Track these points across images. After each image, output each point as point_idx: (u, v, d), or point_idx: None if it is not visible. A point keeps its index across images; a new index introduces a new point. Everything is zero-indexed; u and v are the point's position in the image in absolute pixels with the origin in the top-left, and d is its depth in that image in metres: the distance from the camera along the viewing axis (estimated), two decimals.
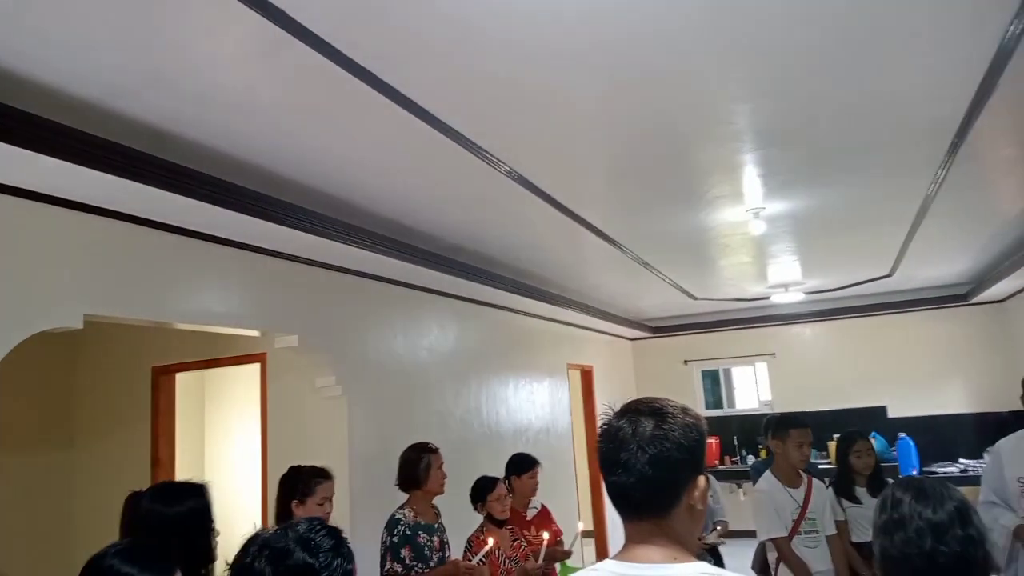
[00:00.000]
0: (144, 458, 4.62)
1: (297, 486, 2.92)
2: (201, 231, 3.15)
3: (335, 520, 2.21)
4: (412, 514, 3.32)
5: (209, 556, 2.20)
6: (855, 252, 5.82)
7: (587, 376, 8.12)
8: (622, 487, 1.24)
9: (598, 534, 7.93)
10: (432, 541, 3.33)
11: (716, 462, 8.85)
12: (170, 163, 2.57)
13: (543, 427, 6.59)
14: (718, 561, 4.45)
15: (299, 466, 3.00)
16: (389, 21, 1.94)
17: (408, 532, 3.26)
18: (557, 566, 4.22)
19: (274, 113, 2.46)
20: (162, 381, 4.76)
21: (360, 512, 3.86)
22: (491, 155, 2.97)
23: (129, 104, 2.29)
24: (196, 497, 2.23)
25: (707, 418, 7.49)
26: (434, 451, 3.42)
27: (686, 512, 1.23)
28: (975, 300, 7.81)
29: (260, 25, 1.88)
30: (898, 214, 4.55)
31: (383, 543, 3.28)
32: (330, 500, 2.97)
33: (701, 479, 1.25)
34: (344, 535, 1.58)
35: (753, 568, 4.10)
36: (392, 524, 3.28)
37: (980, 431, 7.91)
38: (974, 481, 7.09)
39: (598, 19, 2.01)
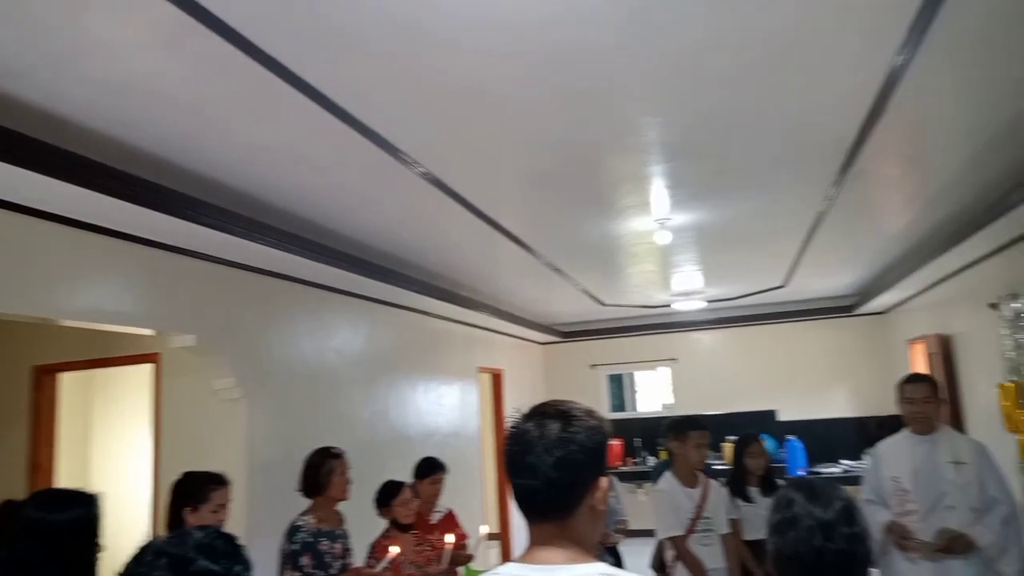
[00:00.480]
0: (20, 464, 4.28)
1: (190, 492, 2.79)
2: (91, 222, 2.95)
3: (229, 528, 2.12)
4: (314, 520, 3.23)
5: (90, 574, 2.04)
6: (753, 263, 6.12)
7: (497, 379, 8.15)
8: (527, 489, 1.26)
9: (503, 537, 7.97)
10: (335, 548, 3.25)
11: (618, 463, 9.07)
12: (57, 148, 2.39)
13: (452, 430, 6.56)
14: (618, 560, 4.55)
15: (193, 472, 2.87)
16: (306, 13, 1.88)
17: (309, 539, 3.16)
18: (460, 569, 4.21)
19: (179, 102, 2.33)
20: (44, 381, 4.43)
21: (259, 519, 3.71)
22: (407, 155, 2.93)
23: (16, 84, 2.12)
24: (84, 506, 2.07)
25: (611, 420, 7.68)
26: (338, 456, 3.33)
27: (588, 513, 1.26)
28: (859, 311, 8.36)
29: (167, 11, 1.78)
30: (793, 228, 4.81)
31: (281, 551, 3.17)
32: (225, 507, 2.84)
33: (603, 480, 1.28)
34: (239, 542, 1.52)
35: (651, 566, 4.23)
36: (292, 531, 3.18)
37: (860, 433, 8.48)
38: (855, 480, 7.59)
39: (521, 29, 2.02)
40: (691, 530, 3.76)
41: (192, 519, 2.71)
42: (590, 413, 1.31)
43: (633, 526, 4.82)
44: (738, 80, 2.47)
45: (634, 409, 9.91)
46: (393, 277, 4.65)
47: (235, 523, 3.18)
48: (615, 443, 8.98)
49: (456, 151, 2.99)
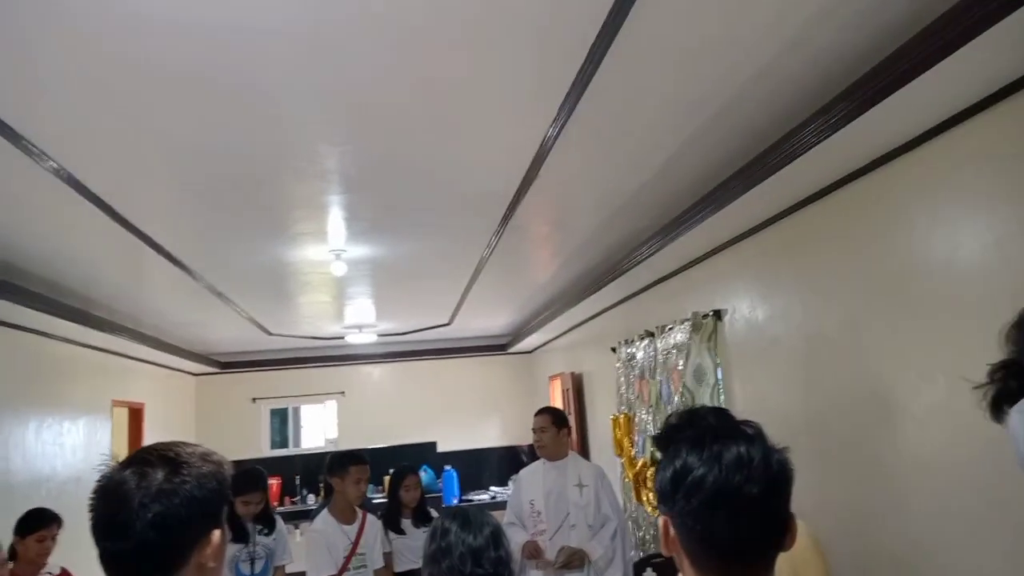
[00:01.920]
0: None
1: None
2: None
3: None
4: None
5: None
6: (422, 301, 6.38)
7: (136, 414, 7.15)
8: (117, 554, 1.06)
9: None
10: None
11: (275, 503, 8.59)
12: None
13: (73, 475, 5.54)
14: None
15: None
16: None
17: None
18: None
19: None
20: None
21: None
22: (35, 146, 2.44)
23: None
24: None
25: (271, 459, 7.25)
26: None
27: (194, 572, 1.09)
28: (512, 350, 9.24)
29: None
30: (459, 271, 5.14)
31: None
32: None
33: (216, 534, 1.12)
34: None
35: None
36: None
37: (509, 462, 9.31)
38: (501, 506, 8.28)
39: (180, 25, 1.83)
40: (344, 567, 3.69)
41: None
42: (205, 456, 1.14)
43: (291, 568, 4.52)
44: (410, 124, 2.56)
45: (297, 445, 9.52)
46: (2, 288, 3.79)
47: None
48: (274, 482, 8.49)
49: (98, 149, 2.58)
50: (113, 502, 1.06)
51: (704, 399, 3.97)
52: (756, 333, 3.65)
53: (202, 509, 1.09)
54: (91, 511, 1.08)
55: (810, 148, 2.46)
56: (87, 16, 1.77)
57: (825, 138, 2.37)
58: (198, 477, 1.10)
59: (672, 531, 1.06)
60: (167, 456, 1.11)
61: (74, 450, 5.61)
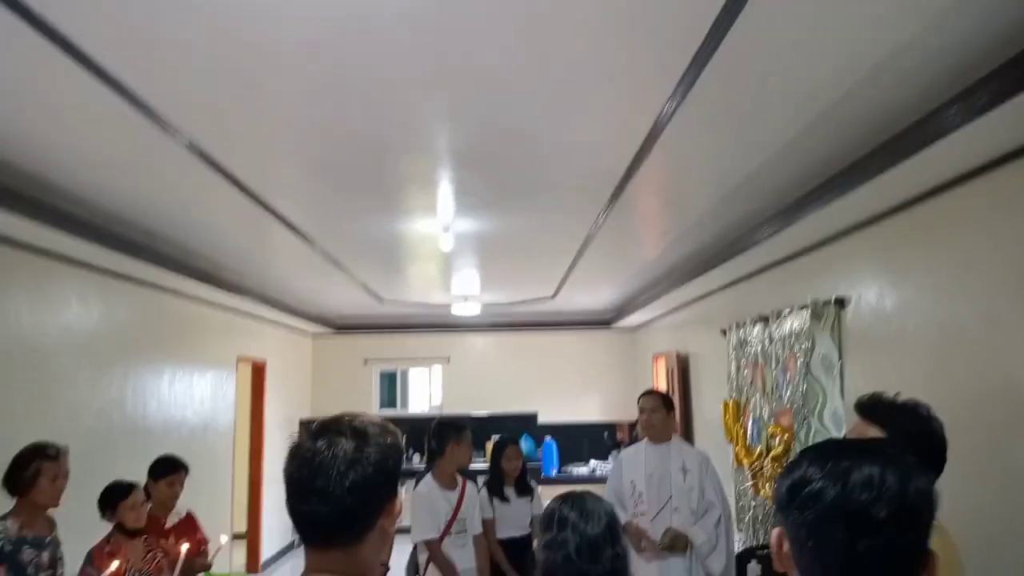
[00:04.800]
0: None
1: None
2: None
3: None
4: (16, 526, 2.77)
5: None
6: (527, 274, 6.41)
7: (259, 370, 7.66)
8: (314, 516, 1.15)
9: (252, 539, 7.51)
10: (41, 558, 2.81)
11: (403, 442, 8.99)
12: None
13: (201, 424, 6.03)
14: None
15: None
16: None
17: (9, 547, 2.70)
18: None
19: None
20: None
21: None
22: (168, 122, 2.61)
23: None
24: None
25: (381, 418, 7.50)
26: (52, 458, 2.86)
27: (378, 535, 1.19)
28: (616, 326, 9.15)
29: None
30: (565, 246, 5.11)
31: None
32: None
33: (396, 501, 1.21)
34: None
35: (407, 570, 4.22)
36: None
37: (608, 437, 9.30)
38: (599, 479, 8.31)
39: (309, 13, 1.89)
40: (446, 532, 3.82)
41: None
42: (385, 429, 1.22)
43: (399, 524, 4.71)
44: (521, 103, 2.54)
45: (405, 407, 9.90)
46: (139, 251, 4.10)
47: None
48: None
49: (229, 126, 2.73)
50: (312, 470, 1.14)
51: (832, 390, 3.77)
52: (883, 323, 3.42)
53: (387, 477, 1.18)
54: (288, 478, 1.17)
55: (953, 130, 2.24)
56: (224, 4, 1.86)
57: (970, 121, 2.15)
58: (382, 447, 1.18)
59: (785, 545, 1.01)
60: (355, 427, 1.19)
61: (202, 401, 6.09)
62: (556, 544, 1.65)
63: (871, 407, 1.80)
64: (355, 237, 4.69)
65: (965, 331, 2.81)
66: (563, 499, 1.77)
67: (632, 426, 8.10)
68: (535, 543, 1.83)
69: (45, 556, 2.83)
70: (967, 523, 2.63)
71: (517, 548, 4.17)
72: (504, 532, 4.19)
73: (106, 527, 3.18)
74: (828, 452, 0.98)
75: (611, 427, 9.36)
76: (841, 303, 3.78)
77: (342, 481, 1.13)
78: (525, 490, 4.36)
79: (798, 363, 4.03)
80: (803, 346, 3.96)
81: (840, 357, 3.79)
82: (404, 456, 1.35)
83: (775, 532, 1.03)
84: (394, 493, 1.21)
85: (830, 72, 2.26)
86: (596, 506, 1.72)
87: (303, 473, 1.15)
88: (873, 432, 1.75)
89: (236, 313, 6.76)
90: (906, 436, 1.68)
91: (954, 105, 2.18)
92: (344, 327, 9.25)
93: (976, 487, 2.69)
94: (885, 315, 3.40)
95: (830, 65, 2.22)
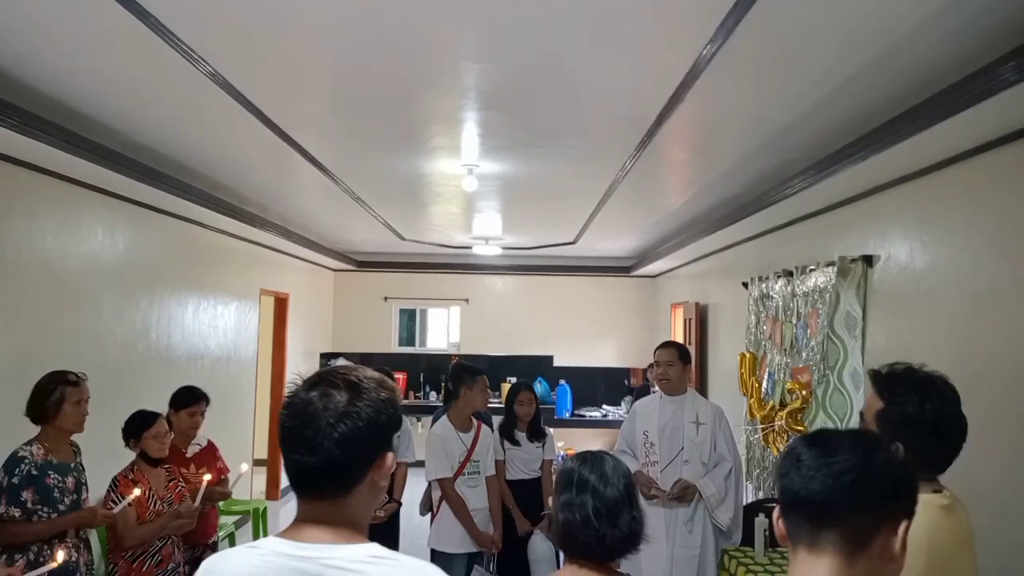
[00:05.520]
0: None
1: None
2: None
3: None
4: (42, 451, 2.85)
5: None
6: (549, 218, 6.34)
7: (282, 303, 7.75)
8: (304, 467, 1.15)
9: (272, 467, 7.74)
10: (66, 482, 2.90)
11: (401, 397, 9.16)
12: None
13: (223, 355, 6.14)
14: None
15: None
16: None
17: (34, 472, 2.79)
18: (220, 505, 4.00)
19: None
20: None
21: None
22: (191, 50, 2.55)
23: None
24: None
25: (398, 355, 7.66)
26: (74, 383, 2.92)
27: (368, 489, 1.19)
28: (636, 273, 9.09)
29: None
30: (589, 192, 5.03)
31: None
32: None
33: (388, 456, 1.21)
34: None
35: (421, 506, 4.33)
36: (13, 463, 2.78)
37: (621, 383, 9.37)
38: (611, 424, 8.41)
39: None
40: (459, 472, 3.90)
41: None
42: (382, 384, 1.21)
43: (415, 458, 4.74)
44: (556, 41, 2.45)
45: (424, 345, 10.01)
46: (164, 181, 4.09)
47: None
48: (400, 376, 9.02)
49: (253, 57, 2.66)
50: (303, 420, 1.14)
51: (853, 349, 3.73)
52: (912, 283, 3.34)
53: (380, 432, 1.17)
54: (281, 426, 1.18)
55: (1009, 87, 2.13)
56: None
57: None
58: (376, 402, 1.17)
59: (781, 522, 1.13)
60: (350, 380, 1.18)
61: (226, 332, 6.19)
62: (575, 506, 1.65)
63: (877, 378, 1.78)
64: (378, 175, 4.65)
65: (1000, 297, 2.73)
66: (582, 460, 1.76)
67: (646, 371, 8.14)
68: (549, 501, 1.83)
69: (70, 480, 2.92)
70: (987, 493, 2.61)
71: (525, 490, 4.25)
72: (513, 474, 4.27)
73: (129, 455, 3.27)
74: (816, 442, 1.13)
75: (626, 372, 9.42)
76: (869, 261, 3.69)
77: (331, 433, 1.12)
78: (538, 435, 4.42)
79: (820, 320, 3.98)
80: (827, 303, 3.90)
81: (864, 316, 3.73)
82: (400, 411, 1.33)
83: (776, 510, 1.14)
84: (387, 447, 1.20)
85: (875, 24, 2.14)
86: (614, 468, 1.71)
87: (294, 423, 1.15)
88: (881, 405, 1.73)
89: (260, 247, 6.80)
90: (902, 418, 1.66)
91: (1010, 60, 2.06)
92: (365, 264, 9.29)
93: (998, 456, 2.66)
94: (915, 275, 3.32)
95: (874, 17, 2.10)
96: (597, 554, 1.65)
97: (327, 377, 1.19)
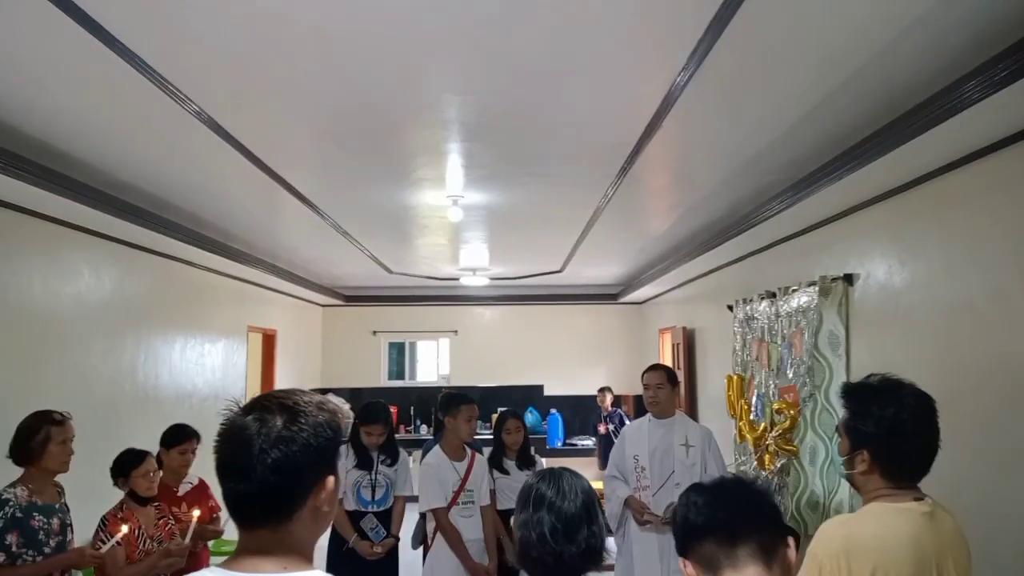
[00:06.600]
0: None
1: None
2: None
3: None
4: (26, 493, 2.81)
5: None
6: (536, 247, 6.39)
7: (269, 340, 7.73)
8: (239, 495, 1.11)
9: None
10: (51, 524, 2.86)
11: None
12: None
13: (211, 393, 6.10)
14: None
15: None
16: None
17: (19, 514, 2.75)
18: (211, 544, 3.94)
19: None
20: None
21: None
22: (178, 91, 2.60)
23: None
24: None
25: (388, 389, 7.55)
26: (59, 423, 2.90)
27: (310, 515, 1.14)
28: (623, 300, 9.14)
29: None
30: (574, 220, 5.09)
31: None
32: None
33: (330, 480, 1.16)
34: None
35: (413, 540, 4.28)
36: None
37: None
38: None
39: None
40: (453, 502, 3.86)
41: None
42: (321, 406, 1.17)
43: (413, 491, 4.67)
44: (534, 72, 2.51)
45: (413, 378, 9.98)
46: (149, 218, 4.11)
47: None
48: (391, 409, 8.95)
49: (239, 96, 2.71)
50: (236, 446, 1.11)
51: (838, 367, 3.77)
52: (891, 300, 3.40)
53: (318, 456, 1.13)
54: (216, 453, 1.15)
55: (972, 105, 2.20)
56: None
57: (989, 95, 2.11)
58: (314, 426, 1.13)
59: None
60: (286, 404, 1.14)
61: (213, 370, 6.15)
62: (532, 523, 1.62)
63: (843, 392, 1.89)
64: (364, 208, 4.69)
65: (975, 310, 2.79)
66: (541, 476, 1.72)
67: (636, 399, 8.12)
68: (512, 520, 1.79)
69: (55, 522, 2.88)
70: (973, 501, 2.64)
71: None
72: (503, 503, 4.24)
73: (117, 494, 3.23)
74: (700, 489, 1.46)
75: (617, 400, 9.40)
76: (849, 280, 3.75)
77: (265, 459, 1.09)
78: (527, 463, 4.39)
79: (804, 340, 4.02)
80: (810, 323, 3.95)
81: (847, 334, 3.78)
82: (341, 434, 1.26)
83: (679, 560, 1.45)
84: (329, 471, 1.16)
85: (845, 45, 2.22)
86: (573, 483, 1.67)
87: (228, 449, 1.13)
88: (845, 416, 1.84)
89: (246, 283, 6.80)
90: (860, 426, 1.77)
91: (973, 79, 2.14)
92: (353, 298, 9.29)
93: (983, 465, 2.69)
94: (894, 292, 3.38)
95: (845, 38, 2.18)
96: (555, 572, 1.60)
97: (262, 401, 1.16)
